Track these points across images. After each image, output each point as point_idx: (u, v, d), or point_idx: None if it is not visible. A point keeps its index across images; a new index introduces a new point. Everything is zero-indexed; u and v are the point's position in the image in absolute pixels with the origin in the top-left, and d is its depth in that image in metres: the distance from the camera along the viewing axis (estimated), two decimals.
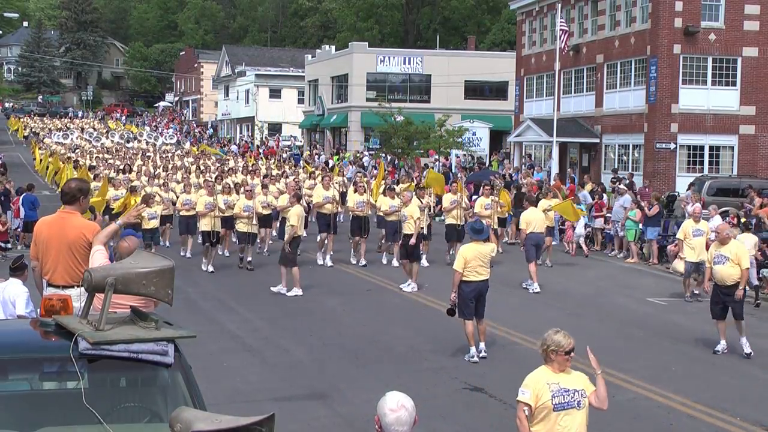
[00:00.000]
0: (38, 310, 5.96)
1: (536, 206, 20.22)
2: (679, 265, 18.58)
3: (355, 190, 22.36)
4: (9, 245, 22.99)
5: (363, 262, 21.36)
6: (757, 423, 10.47)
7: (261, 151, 56.26)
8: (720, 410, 10.81)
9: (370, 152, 49.07)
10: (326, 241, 21.53)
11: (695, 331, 15.60)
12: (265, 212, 22.11)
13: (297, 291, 17.42)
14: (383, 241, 22.32)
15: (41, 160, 47.76)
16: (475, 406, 10.82)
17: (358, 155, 47.24)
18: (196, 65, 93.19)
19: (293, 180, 26.43)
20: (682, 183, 31.82)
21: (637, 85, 35.13)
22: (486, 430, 10.11)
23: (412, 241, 18.44)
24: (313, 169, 34.81)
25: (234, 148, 61.12)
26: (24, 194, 24.78)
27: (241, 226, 20.73)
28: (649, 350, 13.92)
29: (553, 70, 38.42)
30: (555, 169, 35.88)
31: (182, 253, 22.26)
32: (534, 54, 43.16)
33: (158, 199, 22.56)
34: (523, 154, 42.56)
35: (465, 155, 42.84)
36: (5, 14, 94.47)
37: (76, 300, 6.38)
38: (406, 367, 12.49)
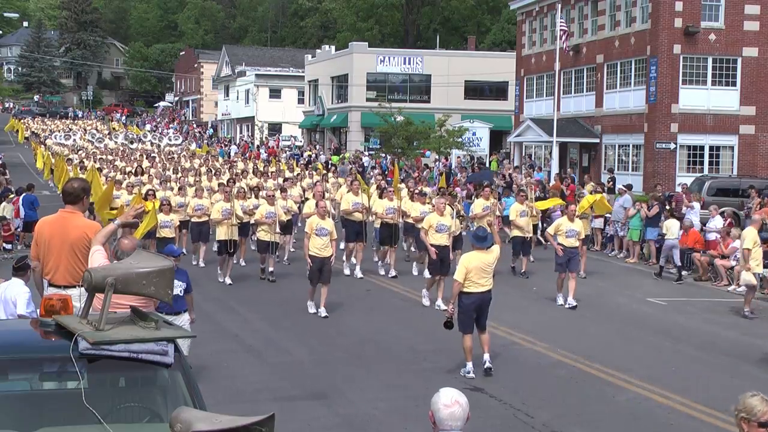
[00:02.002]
0: (38, 310, 5.97)
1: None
2: (749, 277, 16.83)
3: (381, 195, 20.82)
4: (10, 246, 22.98)
5: (393, 272, 19.68)
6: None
7: (261, 151, 56.23)
8: (720, 410, 10.80)
9: (370, 152, 49.08)
10: (354, 251, 20.11)
11: (695, 331, 15.61)
12: (285, 218, 20.50)
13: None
14: (412, 250, 21.05)
15: (44, 162, 47.14)
16: (476, 407, 10.76)
17: (357, 155, 47.20)
18: (196, 65, 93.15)
19: (319, 184, 23.72)
20: (682, 183, 31.82)
21: (637, 85, 35.14)
22: (486, 430, 10.10)
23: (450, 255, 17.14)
24: (325, 172, 33.51)
25: (234, 148, 61.09)
26: (24, 194, 24.79)
27: (262, 234, 19.08)
28: (649, 350, 13.92)
29: (553, 70, 38.43)
30: (555, 169, 35.88)
31: (194, 262, 20.72)
32: (534, 54, 43.16)
33: (175, 203, 21.10)
34: (524, 155, 42.57)
35: (465, 155, 42.87)
36: (5, 14, 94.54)
37: (77, 300, 6.38)
38: (406, 367, 12.49)
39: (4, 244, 22.98)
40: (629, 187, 27.00)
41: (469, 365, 11.99)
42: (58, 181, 35.21)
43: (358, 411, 10.53)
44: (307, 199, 24.64)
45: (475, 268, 11.86)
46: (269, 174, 29.43)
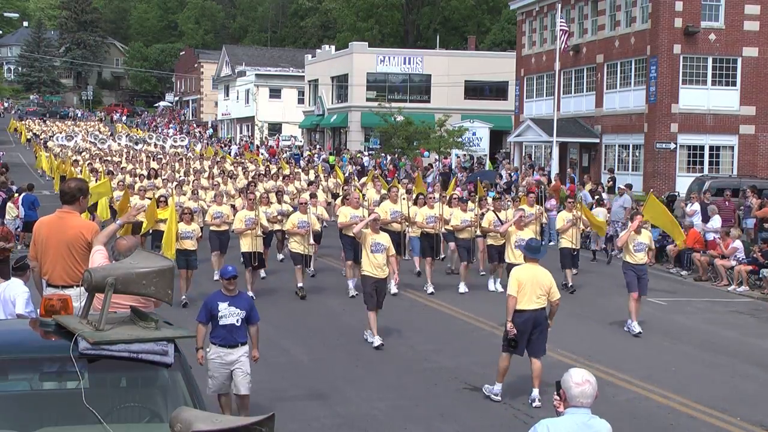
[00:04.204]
0: (38, 310, 5.98)
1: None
2: None
3: (416, 202, 18.90)
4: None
5: (430, 288, 17.87)
6: (757, 423, 10.47)
7: (262, 151, 56.19)
8: (720, 410, 10.81)
9: (370, 152, 49.06)
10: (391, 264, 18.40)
11: (695, 331, 15.61)
12: (318, 226, 18.34)
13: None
14: (456, 262, 19.05)
15: (49, 164, 46.57)
16: (475, 406, 10.82)
17: (358, 155, 47.16)
18: (196, 65, 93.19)
19: (354, 191, 20.84)
20: (682, 183, 31.84)
21: (637, 85, 35.14)
22: (486, 430, 10.11)
23: None
24: (346, 175, 30.78)
25: (234, 148, 61.05)
26: (24, 194, 24.78)
27: (294, 246, 17.33)
28: (649, 350, 13.92)
29: (553, 70, 38.43)
30: (555, 169, 35.88)
31: (216, 278, 17.94)
32: (534, 54, 43.17)
33: (194, 207, 19.31)
34: (524, 155, 42.57)
35: (464, 155, 42.88)
36: (5, 14, 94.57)
37: (75, 300, 6.39)
38: (406, 367, 12.49)
39: None
40: (629, 186, 27.03)
41: (498, 387, 10.85)
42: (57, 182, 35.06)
43: (358, 411, 10.53)
44: (329, 202, 23.13)
45: (528, 282, 10.59)
46: (289, 177, 27.18)
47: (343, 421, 10.20)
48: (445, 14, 78.63)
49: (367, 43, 61.88)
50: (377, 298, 13.53)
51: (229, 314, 9.40)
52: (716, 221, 22.15)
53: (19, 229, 24.14)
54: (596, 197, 24.63)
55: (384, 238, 13.73)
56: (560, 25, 35.88)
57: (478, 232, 18.56)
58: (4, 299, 9.44)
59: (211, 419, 4.36)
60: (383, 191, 22.02)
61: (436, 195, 19.57)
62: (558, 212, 21.60)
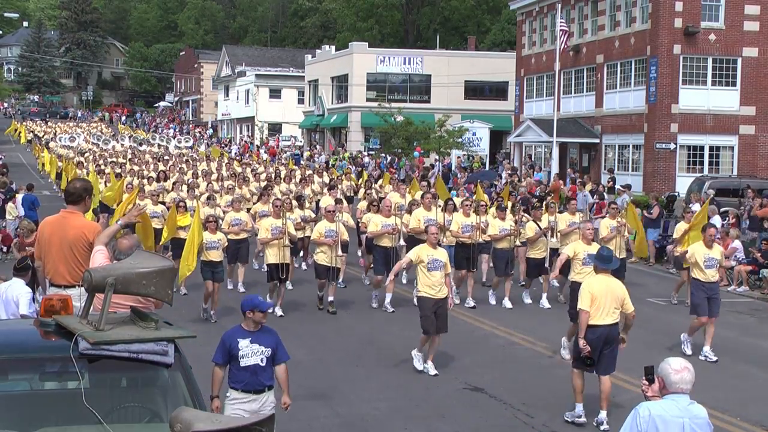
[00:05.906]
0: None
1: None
2: None
3: (444, 208, 17.70)
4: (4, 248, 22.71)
5: (471, 302, 16.85)
6: (757, 423, 10.47)
7: (261, 151, 56.20)
8: (720, 410, 10.81)
9: (370, 152, 49.09)
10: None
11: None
12: (346, 236, 16.88)
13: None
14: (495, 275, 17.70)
15: (50, 164, 46.31)
16: (475, 406, 10.83)
17: (358, 155, 47.15)
18: (196, 65, 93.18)
19: (387, 198, 19.43)
20: (682, 183, 31.86)
21: (637, 85, 35.15)
22: (486, 430, 10.11)
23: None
24: (366, 178, 28.46)
25: (234, 148, 61.05)
26: (24, 194, 24.80)
27: (321, 257, 15.92)
28: (649, 350, 13.91)
29: (553, 70, 38.43)
30: (555, 170, 35.89)
31: (230, 287, 17.88)
32: (534, 54, 43.18)
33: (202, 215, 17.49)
34: (524, 155, 42.60)
35: (464, 155, 42.92)
36: (5, 14, 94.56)
37: (77, 300, 6.40)
38: (406, 367, 12.49)
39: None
40: (628, 187, 27.05)
41: (579, 407, 10.17)
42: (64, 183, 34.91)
43: (358, 411, 10.54)
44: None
45: (603, 295, 9.94)
46: (306, 180, 25.93)
47: (343, 421, 10.21)
48: (445, 14, 78.63)
49: (367, 43, 61.90)
50: (438, 322, 12.09)
51: (252, 353, 8.03)
52: (716, 222, 22.14)
53: (18, 230, 24.11)
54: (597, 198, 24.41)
55: (442, 254, 12.34)
56: (560, 26, 35.89)
57: (518, 242, 17.71)
58: (6, 299, 9.47)
59: (211, 419, 4.37)
60: (408, 196, 20.96)
61: (459, 200, 18.63)
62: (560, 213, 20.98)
